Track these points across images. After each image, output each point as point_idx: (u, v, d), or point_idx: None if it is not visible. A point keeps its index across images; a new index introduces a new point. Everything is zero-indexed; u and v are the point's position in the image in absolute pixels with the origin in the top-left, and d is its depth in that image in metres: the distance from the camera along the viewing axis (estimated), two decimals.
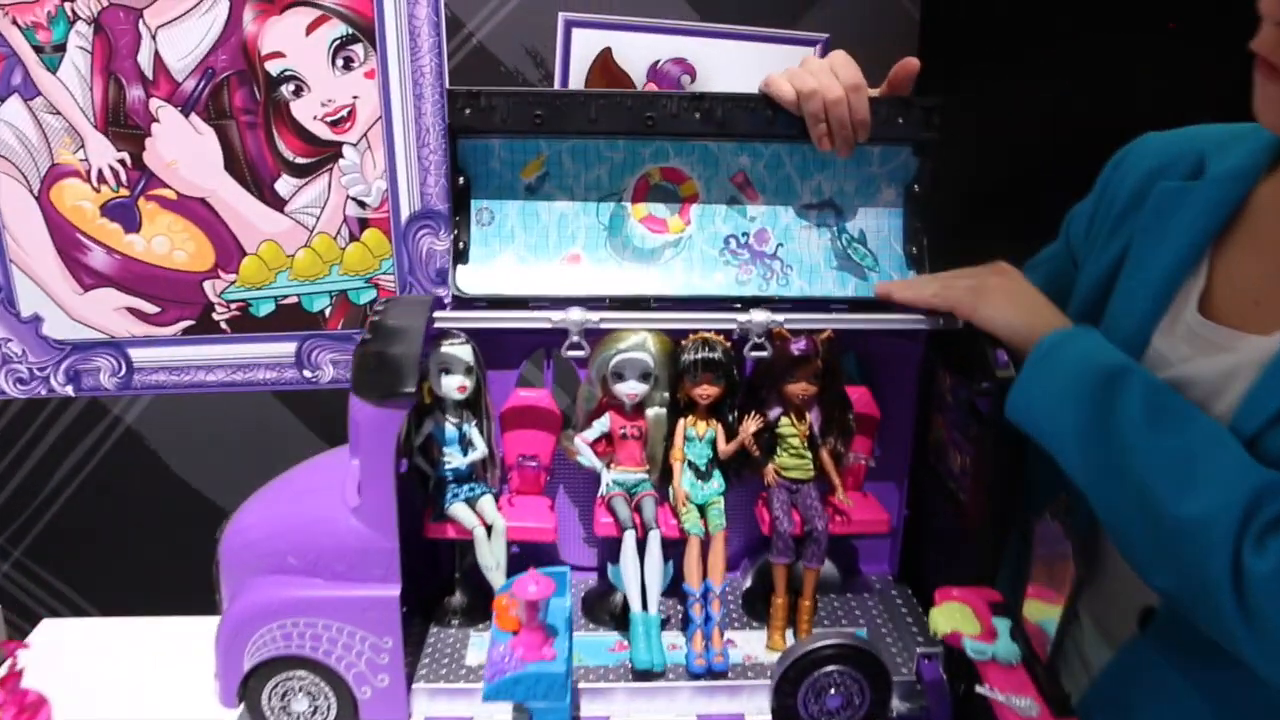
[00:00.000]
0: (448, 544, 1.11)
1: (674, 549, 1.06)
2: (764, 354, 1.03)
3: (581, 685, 0.99)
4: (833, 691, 0.95)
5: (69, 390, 1.78)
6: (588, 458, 1.08)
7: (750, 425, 1.04)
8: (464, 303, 1.10)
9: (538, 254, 1.12)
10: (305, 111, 1.64)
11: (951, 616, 0.85)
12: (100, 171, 1.66)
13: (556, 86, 1.60)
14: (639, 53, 1.61)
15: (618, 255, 1.12)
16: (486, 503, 1.08)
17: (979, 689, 0.81)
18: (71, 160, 1.65)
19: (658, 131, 1.08)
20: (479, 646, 1.06)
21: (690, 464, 1.07)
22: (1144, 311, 0.94)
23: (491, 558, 1.06)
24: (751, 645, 1.07)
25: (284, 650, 0.97)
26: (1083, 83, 1.79)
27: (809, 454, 1.07)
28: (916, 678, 0.99)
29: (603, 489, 1.08)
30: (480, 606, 1.10)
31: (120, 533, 1.88)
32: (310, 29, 1.60)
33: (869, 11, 1.71)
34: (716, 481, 1.08)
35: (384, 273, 1.74)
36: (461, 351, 1.04)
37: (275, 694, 0.98)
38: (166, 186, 1.67)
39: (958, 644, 0.84)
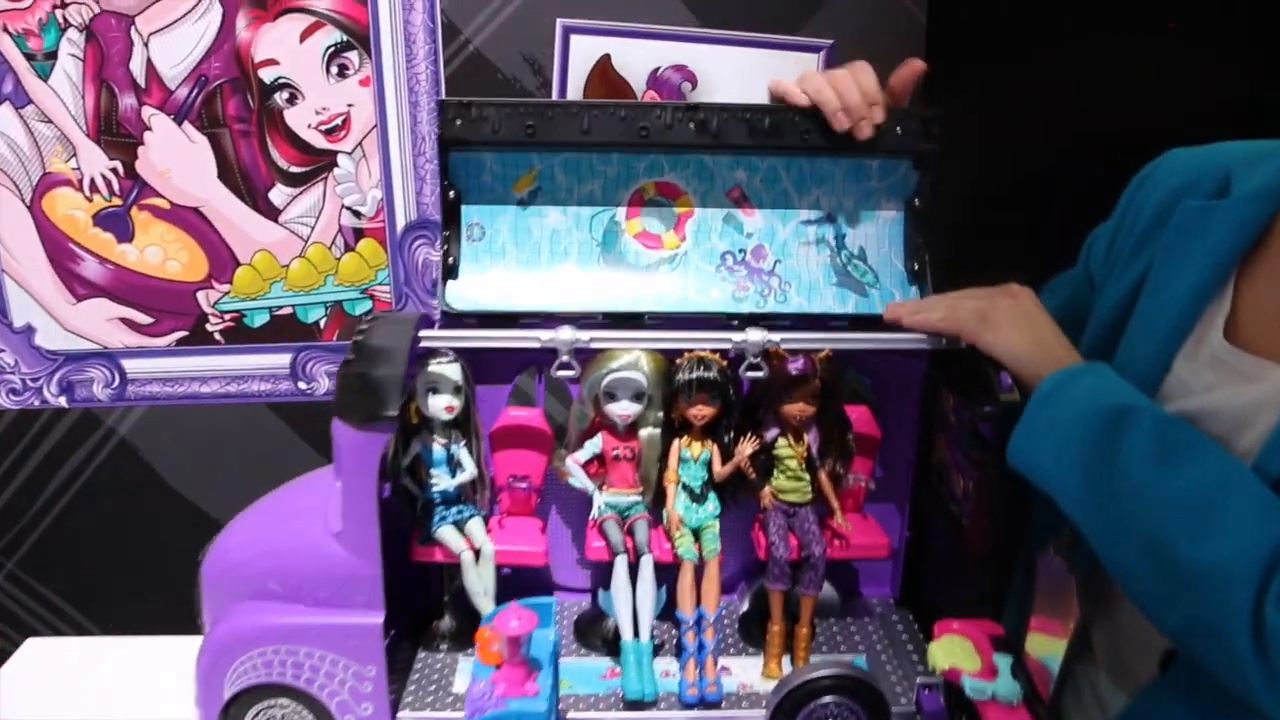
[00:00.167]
0: (437, 566, 1.08)
1: (668, 573, 1.03)
2: (760, 374, 1.00)
3: (571, 715, 0.97)
4: None
5: (62, 401, 1.76)
6: (579, 479, 1.05)
7: (746, 447, 1.02)
8: (453, 319, 1.07)
9: (530, 269, 1.09)
10: (299, 120, 1.62)
11: (951, 651, 0.82)
12: (92, 180, 1.64)
13: (554, 94, 1.58)
14: (639, 60, 1.59)
15: (611, 271, 1.09)
16: (475, 525, 1.05)
17: None
18: (64, 169, 1.63)
19: (651, 143, 1.05)
20: (467, 672, 1.03)
21: (685, 486, 1.04)
22: (1165, 335, 0.90)
23: (479, 583, 1.03)
24: (747, 673, 1.04)
25: (265, 678, 0.95)
26: (1090, 86, 1.76)
27: (807, 476, 1.04)
28: (916, 709, 0.96)
29: (594, 511, 1.06)
30: (469, 631, 1.06)
31: (114, 545, 1.86)
32: (304, 36, 1.58)
33: (874, 16, 1.68)
34: (711, 504, 1.05)
35: (380, 283, 1.72)
36: (449, 370, 1.01)
37: None
38: (159, 196, 1.65)
39: (957, 681, 0.81)
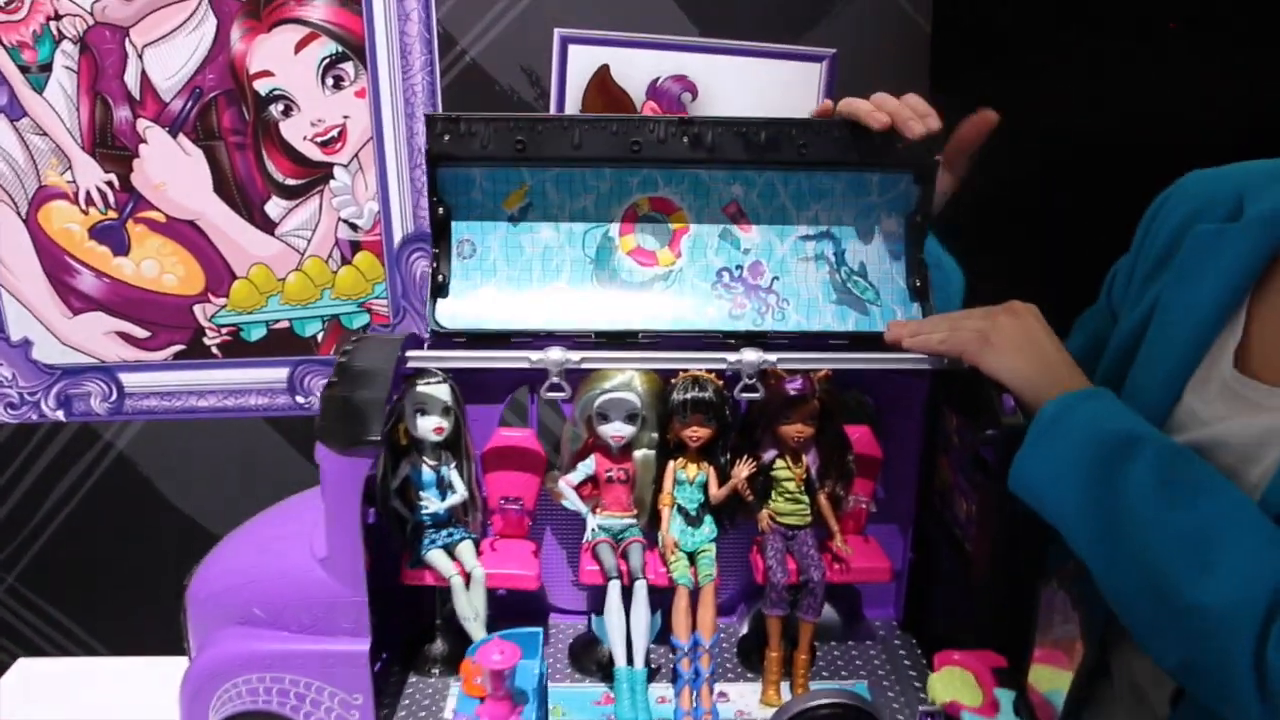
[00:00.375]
0: (429, 588, 1.06)
1: (663, 598, 1.01)
2: (756, 395, 0.97)
3: None
4: None
5: (60, 415, 1.75)
6: (572, 501, 1.03)
7: (743, 469, 0.99)
8: (443, 338, 1.05)
9: (521, 287, 1.07)
10: (295, 132, 1.60)
11: (951, 684, 0.80)
12: (88, 193, 1.62)
13: (553, 105, 1.55)
14: (638, 70, 1.56)
15: (605, 289, 1.07)
16: (466, 549, 1.03)
17: None
18: (59, 182, 1.62)
19: (645, 158, 1.03)
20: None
21: (680, 509, 1.02)
22: (1176, 364, 0.87)
23: (470, 608, 1.01)
24: (745, 699, 1.02)
25: (250, 706, 0.94)
26: (1096, 94, 1.73)
27: (805, 499, 1.02)
28: None
29: (588, 534, 1.04)
30: (462, 655, 1.04)
31: (113, 560, 1.85)
32: (299, 47, 1.56)
33: (878, 25, 1.65)
34: (708, 527, 1.03)
35: (377, 297, 1.70)
36: (438, 391, 0.99)
37: None
38: (155, 209, 1.63)
39: (957, 716, 0.78)
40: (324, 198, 1.64)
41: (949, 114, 1.06)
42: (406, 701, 1.02)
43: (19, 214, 1.63)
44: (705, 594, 1.00)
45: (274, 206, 1.64)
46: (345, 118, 1.60)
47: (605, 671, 1.04)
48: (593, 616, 1.01)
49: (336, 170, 1.63)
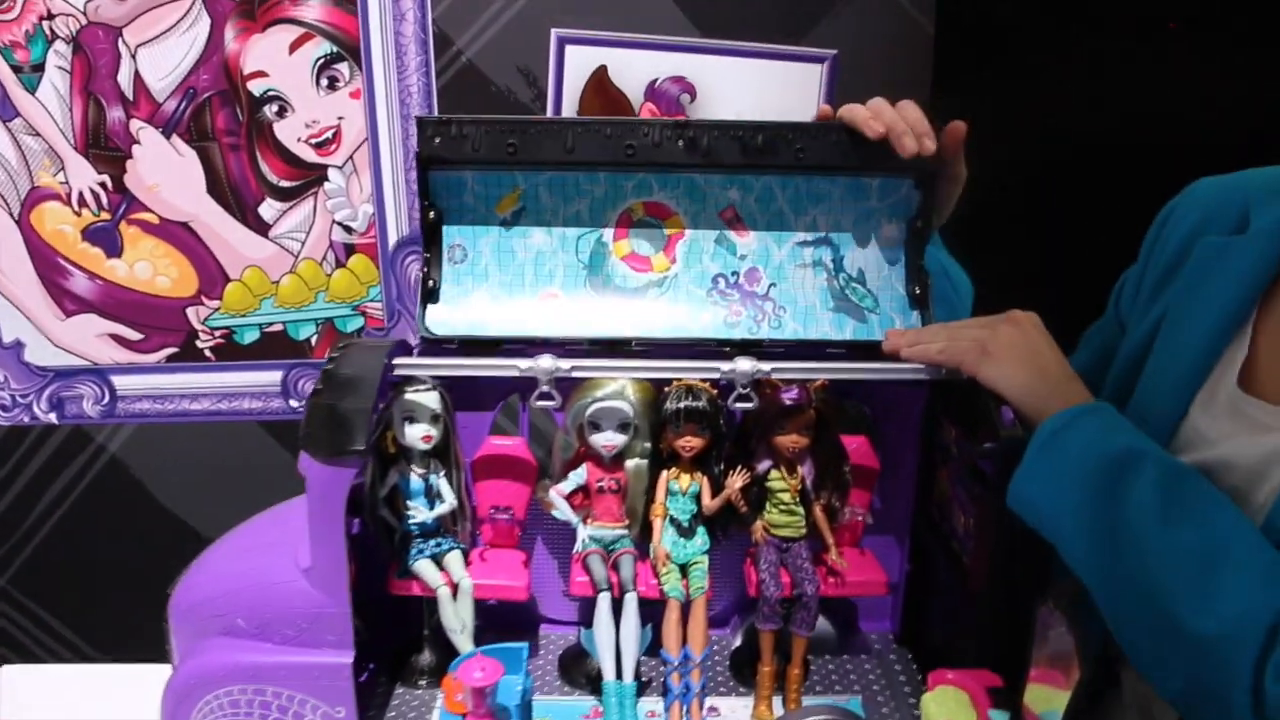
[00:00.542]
0: (417, 598, 1.04)
1: (654, 610, 0.99)
2: (749, 405, 0.95)
3: None
4: None
5: (52, 418, 1.74)
6: (563, 511, 1.01)
7: (736, 481, 0.97)
8: (434, 344, 1.03)
9: (513, 293, 1.05)
10: (289, 133, 1.59)
11: (944, 704, 0.78)
12: (81, 194, 1.61)
13: (550, 106, 1.54)
14: (636, 71, 1.55)
15: (598, 295, 1.05)
16: (454, 559, 1.01)
17: None
18: (52, 183, 1.61)
19: (639, 162, 1.01)
20: None
21: (672, 520, 1.00)
22: (1181, 380, 0.85)
23: (457, 619, 0.99)
24: (737, 714, 1.00)
25: (232, 717, 0.92)
26: (1100, 95, 1.72)
27: (800, 510, 1.00)
28: None
29: (578, 545, 1.02)
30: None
31: (105, 563, 1.84)
32: (293, 47, 1.55)
33: (880, 25, 1.63)
34: (700, 539, 1.01)
35: (372, 300, 1.68)
36: (427, 399, 0.97)
37: None
38: (148, 210, 1.62)
39: None
40: (318, 200, 1.63)
41: (951, 115, 1.04)
42: (392, 714, 1.00)
43: (11, 215, 1.62)
44: (697, 607, 0.98)
45: (268, 208, 1.63)
46: (340, 119, 1.59)
47: (595, 685, 1.02)
48: (582, 630, 0.99)
49: (331, 172, 1.61)
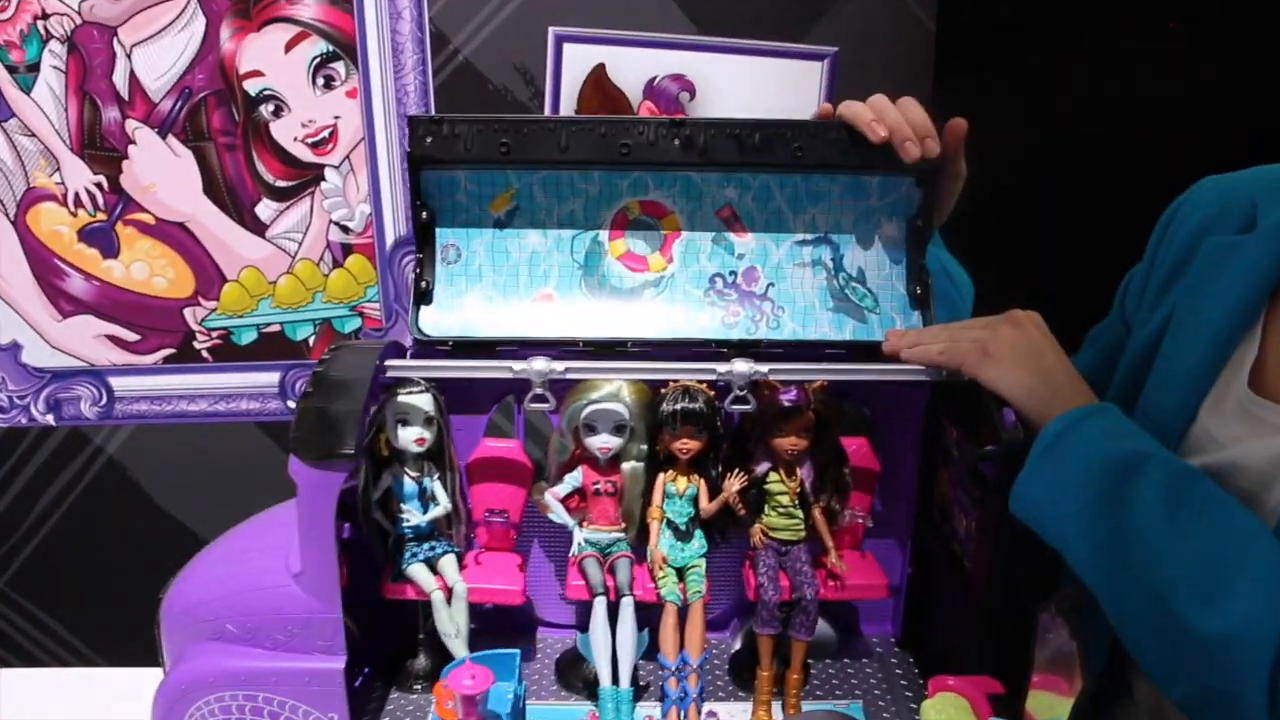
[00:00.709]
0: (412, 601, 1.03)
1: (651, 613, 0.98)
2: (746, 408, 0.94)
3: None
4: None
5: (50, 419, 1.73)
6: (559, 514, 1.00)
7: (734, 483, 0.96)
8: (427, 346, 1.02)
9: (507, 294, 1.04)
10: (285, 132, 1.58)
11: (944, 711, 0.77)
12: (77, 195, 1.60)
13: (547, 105, 1.53)
14: (634, 69, 1.53)
15: (593, 295, 1.03)
16: (448, 563, 1.00)
17: None
18: (48, 184, 1.60)
19: (634, 161, 0.99)
20: None
21: (669, 523, 0.99)
22: (1189, 383, 0.83)
23: (451, 624, 0.98)
24: (735, 718, 0.99)
25: None
26: (1102, 92, 1.70)
27: (799, 513, 0.99)
28: None
29: (574, 549, 1.01)
30: None
31: (103, 565, 1.83)
32: (289, 46, 1.54)
33: (881, 22, 1.61)
34: (698, 542, 0.99)
35: (369, 300, 1.67)
36: (420, 401, 0.96)
37: None
38: (144, 211, 1.61)
39: None
40: (315, 199, 1.62)
41: (952, 113, 1.02)
42: (386, 719, 0.99)
43: (7, 216, 1.62)
44: (694, 611, 0.97)
45: (264, 208, 1.61)
46: (336, 118, 1.58)
47: (591, 690, 1.01)
48: (578, 634, 0.98)
49: (328, 172, 1.60)
